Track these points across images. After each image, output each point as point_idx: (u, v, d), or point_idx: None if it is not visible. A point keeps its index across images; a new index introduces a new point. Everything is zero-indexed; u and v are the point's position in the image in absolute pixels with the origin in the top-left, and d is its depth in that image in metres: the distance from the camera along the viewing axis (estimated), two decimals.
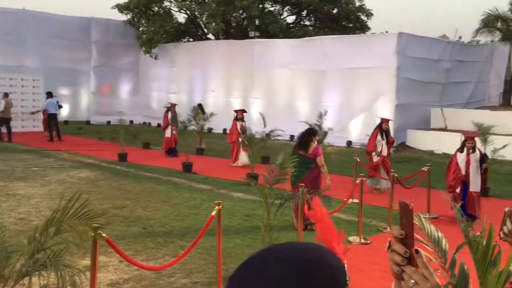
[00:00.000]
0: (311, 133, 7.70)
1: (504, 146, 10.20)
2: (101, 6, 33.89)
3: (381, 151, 10.23)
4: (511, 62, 21.77)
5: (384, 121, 10.72)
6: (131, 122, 24.71)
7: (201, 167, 12.47)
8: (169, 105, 15.40)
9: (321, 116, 12.57)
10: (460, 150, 8.04)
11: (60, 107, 19.42)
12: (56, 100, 18.97)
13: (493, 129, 11.07)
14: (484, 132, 10.64)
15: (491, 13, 22.04)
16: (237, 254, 6.10)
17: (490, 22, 21.99)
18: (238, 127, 13.55)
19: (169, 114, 14.86)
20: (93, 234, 3.46)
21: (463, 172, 7.84)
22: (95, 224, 3.42)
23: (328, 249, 0.92)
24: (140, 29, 26.79)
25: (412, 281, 0.92)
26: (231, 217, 7.75)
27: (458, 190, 7.82)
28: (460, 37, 27.38)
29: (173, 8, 27.41)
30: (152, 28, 25.69)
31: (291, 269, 0.82)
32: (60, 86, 23.98)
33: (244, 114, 14.10)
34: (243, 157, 13.17)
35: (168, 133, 14.77)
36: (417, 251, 0.93)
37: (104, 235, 3.56)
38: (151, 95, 26.86)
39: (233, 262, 5.78)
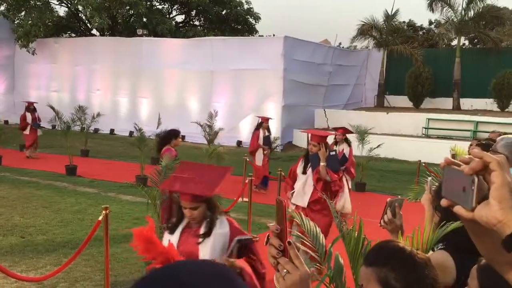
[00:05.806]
0: (170, 135, 6.93)
1: (379, 145, 11.05)
2: None
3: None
4: (384, 67, 23.83)
5: (314, 138, 5.97)
6: (6, 122, 22.76)
7: (86, 169, 11.89)
8: (260, 120, 10.92)
9: (211, 116, 12.69)
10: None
11: None
12: None
13: (368, 129, 11.90)
14: (360, 132, 11.43)
15: (367, 22, 23.94)
16: (126, 259, 5.95)
17: (365, 30, 23.87)
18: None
19: (260, 133, 10.53)
20: None
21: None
22: None
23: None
24: (16, 21, 24.69)
25: (285, 270, 1.03)
26: (119, 221, 7.52)
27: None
28: (340, 43, 29.35)
29: (53, 1, 25.73)
30: (30, 21, 23.82)
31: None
32: None
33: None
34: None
35: (258, 159, 10.46)
36: (289, 243, 1.04)
37: None
38: (28, 93, 24.88)
39: (122, 267, 5.64)
